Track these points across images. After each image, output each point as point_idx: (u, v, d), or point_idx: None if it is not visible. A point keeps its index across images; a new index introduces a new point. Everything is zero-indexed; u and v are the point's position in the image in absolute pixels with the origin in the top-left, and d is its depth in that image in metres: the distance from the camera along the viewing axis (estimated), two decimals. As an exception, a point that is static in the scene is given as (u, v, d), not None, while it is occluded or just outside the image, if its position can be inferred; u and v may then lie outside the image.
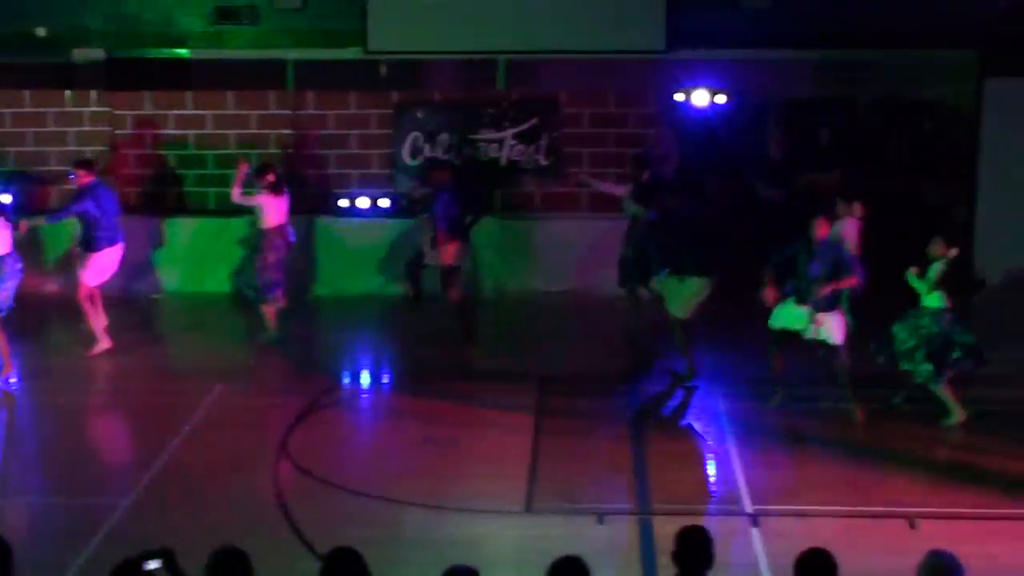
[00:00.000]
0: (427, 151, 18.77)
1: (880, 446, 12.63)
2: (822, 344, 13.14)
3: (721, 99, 19.76)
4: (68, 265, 17.11)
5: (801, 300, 13.11)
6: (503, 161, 18.79)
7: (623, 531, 10.67)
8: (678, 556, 6.99)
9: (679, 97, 19.67)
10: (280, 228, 15.92)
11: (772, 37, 19.54)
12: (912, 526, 10.74)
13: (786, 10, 19.31)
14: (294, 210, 16.33)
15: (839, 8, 19.08)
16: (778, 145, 18.84)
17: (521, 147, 18.73)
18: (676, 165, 19.86)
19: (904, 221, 18.69)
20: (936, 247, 12.91)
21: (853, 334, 13.25)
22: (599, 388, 14.30)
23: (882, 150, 19.37)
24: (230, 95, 19.16)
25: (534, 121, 18.71)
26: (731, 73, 19.96)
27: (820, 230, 13.05)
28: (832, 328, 12.99)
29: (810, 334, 13.10)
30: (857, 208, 14.70)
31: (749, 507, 11.14)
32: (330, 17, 19.03)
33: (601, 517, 10.88)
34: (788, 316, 13.19)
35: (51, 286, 18.14)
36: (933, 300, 12.94)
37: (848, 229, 14.62)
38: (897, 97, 20.69)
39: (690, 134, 20.35)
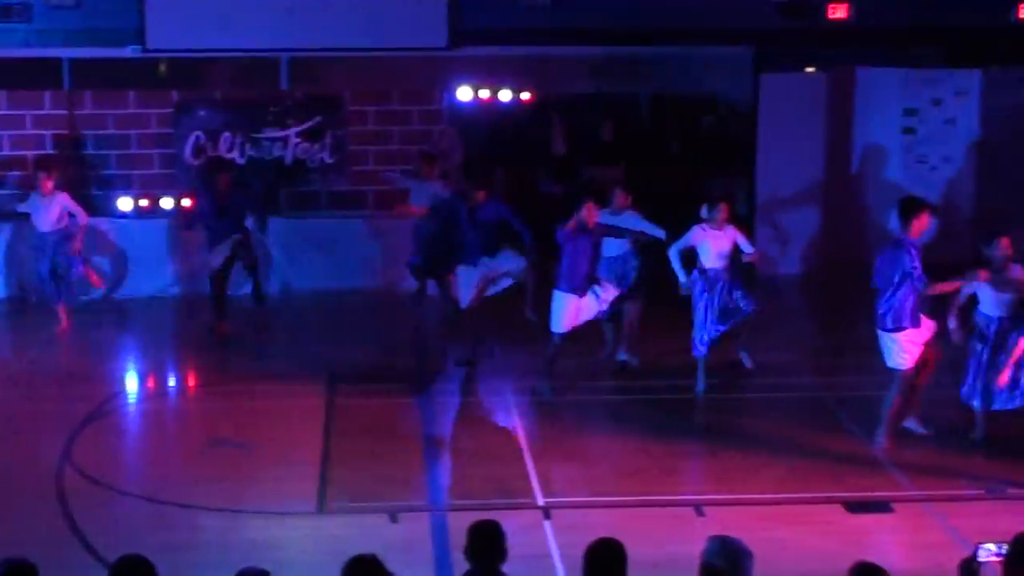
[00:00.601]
0: (210, 150, 18.53)
1: (669, 436, 12.84)
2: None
3: (504, 95, 19.89)
4: None
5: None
6: (288, 160, 18.64)
7: (417, 528, 10.65)
8: (471, 551, 7.01)
9: (463, 94, 19.74)
10: (62, 229, 15.60)
11: (553, 34, 19.72)
12: (699, 513, 10.95)
13: (567, 7, 19.49)
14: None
15: (619, 5, 19.33)
16: (561, 141, 19.02)
17: (306, 145, 18.61)
18: (460, 161, 19.93)
19: (686, 214, 19.08)
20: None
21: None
22: (389, 386, 14.27)
23: (663, 144, 19.70)
24: (2, 95, 18.64)
25: (318, 119, 18.61)
26: (513, 70, 20.10)
27: (590, 215, 13.24)
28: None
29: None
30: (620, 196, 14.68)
31: (541, 500, 11.22)
32: (107, 14, 18.61)
33: (394, 515, 10.86)
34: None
35: None
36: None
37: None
38: (677, 92, 21.07)
39: (474, 130, 20.45)
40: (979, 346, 11.97)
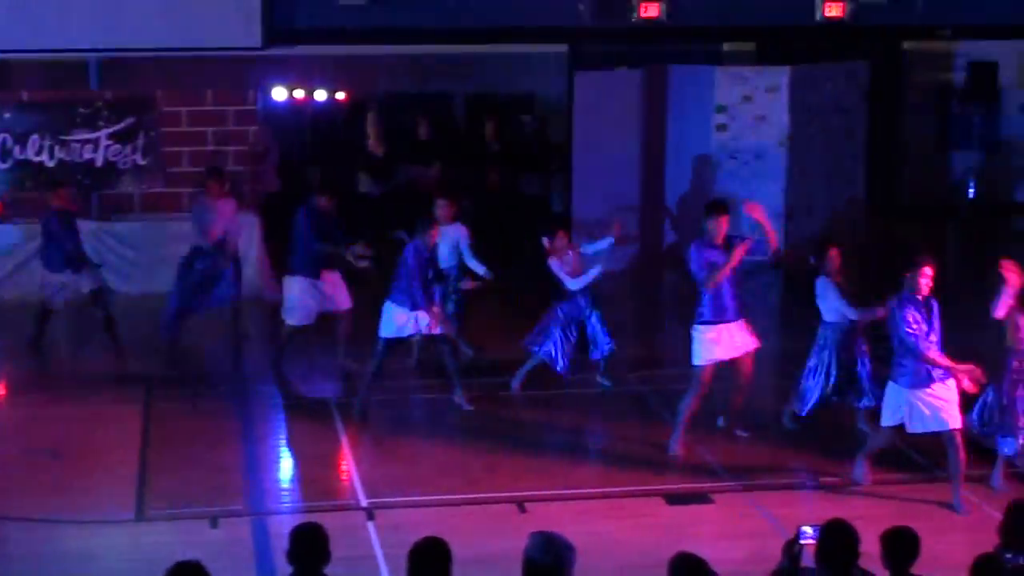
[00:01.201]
0: (17, 153, 18.08)
1: (490, 433, 12.87)
2: (428, 337, 13.28)
3: (320, 95, 19.78)
4: None
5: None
6: (99, 162, 18.27)
7: (238, 533, 10.54)
8: (293, 554, 6.95)
9: (277, 94, 19.58)
10: None
11: (369, 33, 19.66)
12: (521, 510, 11.00)
13: (382, 6, 19.43)
14: None
15: (435, 4, 19.34)
16: (377, 141, 18.95)
17: (117, 147, 18.26)
18: (276, 162, 19.77)
19: (504, 212, 19.18)
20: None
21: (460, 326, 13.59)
22: (207, 390, 14.08)
23: (481, 144, 19.75)
24: None
25: (130, 120, 18.27)
26: (329, 69, 20.01)
27: (432, 238, 13.12)
28: (434, 321, 13.08)
29: (410, 330, 13.17)
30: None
31: (364, 501, 11.18)
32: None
33: (215, 520, 10.73)
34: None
35: None
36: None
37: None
38: (493, 92, 21.15)
39: (290, 130, 20.30)
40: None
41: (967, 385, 10.75)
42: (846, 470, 11.63)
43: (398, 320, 13.02)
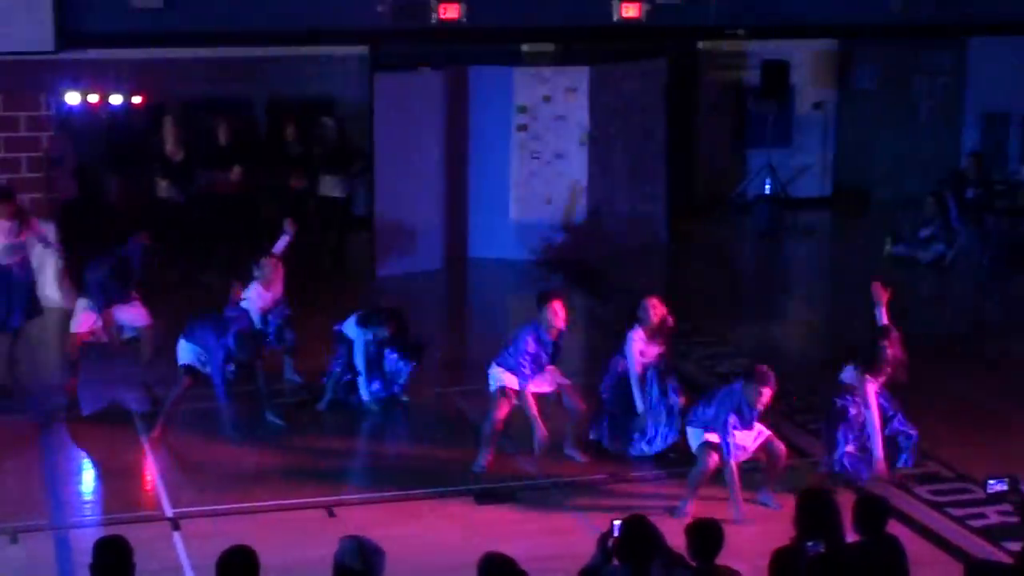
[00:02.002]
0: None
1: (297, 441, 12.79)
2: None
3: (116, 99, 19.42)
4: None
5: None
6: None
7: (40, 548, 10.32)
8: (96, 568, 6.83)
9: (72, 98, 19.18)
10: None
11: (166, 37, 19.38)
12: (331, 515, 10.96)
13: (178, 9, 19.18)
14: None
15: (232, 7, 19.15)
16: (176, 145, 18.69)
17: (-96, 156, 17.71)
18: (72, 168, 19.38)
19: (305, 215, 19.04)
20: None
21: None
22: (2, 404, 13.71)
23: (282, 147, 19.59)
24: None
25: (-84, 128, 17.73)
26: (125, 73, 19.67)
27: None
28: None
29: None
30: None
31: (169, 511, 11.03)
32: None
33: (14, 536, 10.48)
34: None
35: None
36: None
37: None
38: (294, 94, 21.00)
39: (86, 136, 19.90)
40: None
41: None
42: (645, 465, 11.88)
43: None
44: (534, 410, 11.79)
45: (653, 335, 11.88)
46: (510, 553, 6.75)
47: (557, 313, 11.79)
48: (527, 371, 11.74)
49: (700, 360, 14.87)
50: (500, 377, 11.84)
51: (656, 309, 11.89)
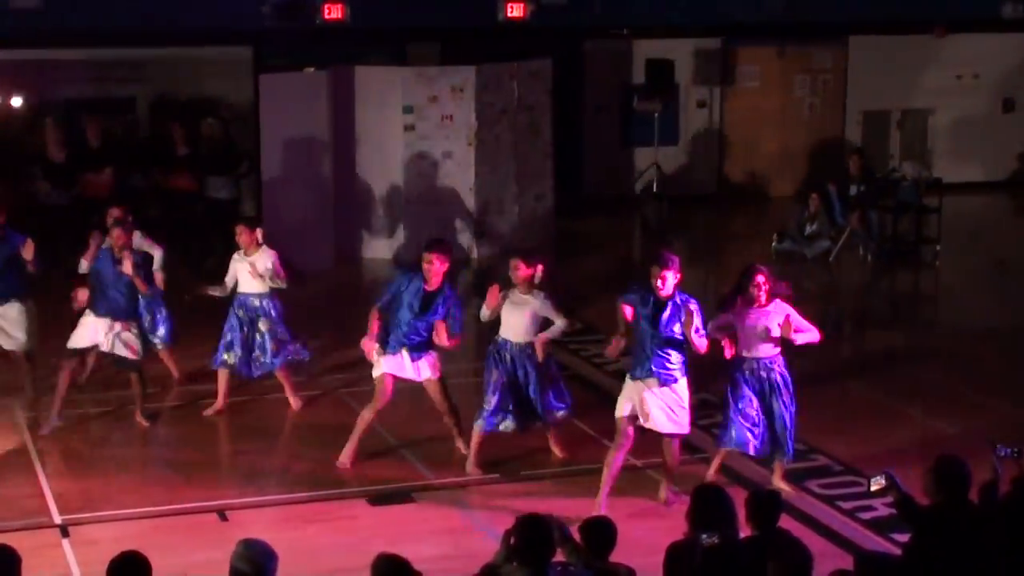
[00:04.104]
0: None
1: (186, 444, 12.71)
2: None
3: (-5, 101, 19.14)
4: None
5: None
6: None
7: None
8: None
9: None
10: None
11: (44, 36, 19.14)
12: (223, 519, 10.87)
13: (58, 9, 18.96)
14: None
15: (114, 6, 18.97)
16: (57, 147, 18.43)
17: None
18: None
19: (192, 217, 18.89)
20: None
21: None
22: None
23: (167, 148, 19.38)
24: None
25: None
26: (6, 73, 19.39)
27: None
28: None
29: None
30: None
31: (58, 518, 10.87)
32: None
33: None
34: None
35: None
36: None
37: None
38: (178, 95, 20.81)
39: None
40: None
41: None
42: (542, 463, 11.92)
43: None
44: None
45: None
46: (405, 554, 6.73)
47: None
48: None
49: (592, 358, 14.96)
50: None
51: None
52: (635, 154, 23.68)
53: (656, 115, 22.53)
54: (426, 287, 11.69)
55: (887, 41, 24.11)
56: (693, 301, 10.80)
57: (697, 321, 10.69)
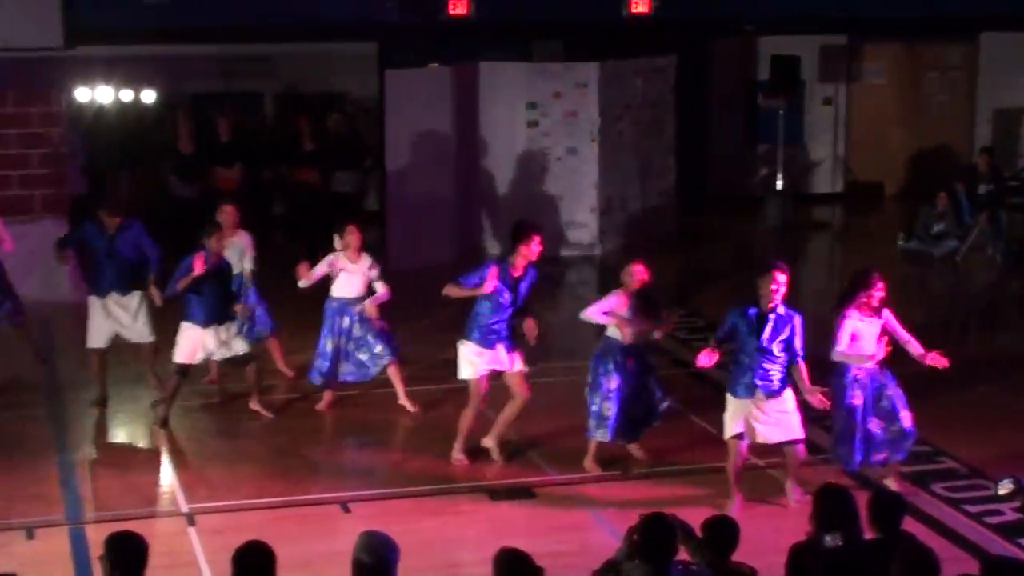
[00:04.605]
0: None
1: (310, 436, 12.83)
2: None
3: (126, 95, 19.46)
4: None
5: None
6: None
7: (55, 543, 10.32)
8: (107, 562, 6.80)
9: (82, 94, 19.23)
10: None
11: (174, 32, 19.43)
12: (345, 510, 10.96)
13: (187, 5, 19.22)
14: None
15: (241, 3, 19.20)
16: (188, 141, 18.71)
17: (-85, 152, 17.70)
18: (82, 164, 19.41)
19: (317, 211, 19.07)
20: None
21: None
22: (17, 400, 13.74)
23: (293, 142, 19.60)
24: None
25: (-71, 125, 17.72)
26: (136, 69, 19.70)
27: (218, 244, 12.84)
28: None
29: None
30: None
31: (185, 507, 11.04)
32: None
33: (30, 531, 10.49)
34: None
35: None
36: None
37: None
38: (304, 90, 21.03)
39: (97, 132, 19.94)
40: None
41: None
42: (663, 457, 11.88)
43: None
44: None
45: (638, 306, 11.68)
46: (526, 550, 6.74)
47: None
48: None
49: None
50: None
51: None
52: (759, 151, 23.52)
53: (781, 112, 22.35)
54: (514, 273, 11.66)
55: (1019, 38, 23.68)
56: (798, 316, 10.69)
57: (799, 340, 10.60)
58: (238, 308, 12.98)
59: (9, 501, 11.11)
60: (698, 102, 22.81)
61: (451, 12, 20.41)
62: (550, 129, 19.78)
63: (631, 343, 11.59)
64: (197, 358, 12.82)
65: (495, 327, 11.69)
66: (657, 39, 21.31)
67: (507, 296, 11.65)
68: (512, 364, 11.83)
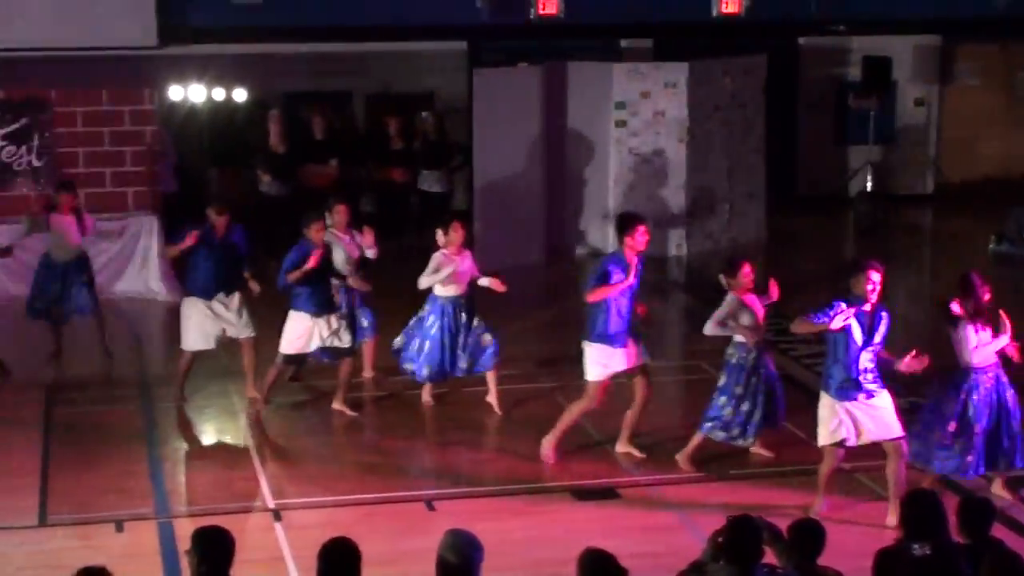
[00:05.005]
0: (-92, 154, 17.74)
1: (398, 432, 12.89)
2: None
3: (218, 94, 19.62)
4: None
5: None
6: (-7, 164, 17.97)
7: (144, 537, 10.44)
8: (195, 555, 6.86)
9: (175, 93, 19.41)
10: None
11: (266, 31, 19.59)
12: (430, 508, 11.00)
13: (279, 4, 19.37)
14: None
15: (332, 2, 19.31)
16: (281, 140, 18.85)
17: (12, 148, 17.98)
18: (174, 162, 19.60)
19: (404, 210, 19.16)
20: None
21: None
22: (108, 395, 13.92)
23: (382, 141, 19.69)
24: None
25: (25, 121, 17.98)
26: (228, 67, 19.87)
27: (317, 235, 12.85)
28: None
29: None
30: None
31: (271, 502, 11.12)
32: None
33: (119, 524, 10.62)
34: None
35: None
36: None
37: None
38: (393, 89, 21.13)
39: (188, 130, 20.12)
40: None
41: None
42: (749, 463, 11.81)
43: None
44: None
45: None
46: (610, 550, 6.73)
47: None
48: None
49: (800, 358, 14.77)
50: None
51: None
52: (849, 152, 23.34)
53: (872, 113, 22.15)
54: (631, 263, 11.56)
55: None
56: (887, 312, 10.58)
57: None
58: (353, 281, 13.03)
59: (99, 494, 11.26)
60: (787, 102, 22.66)
61: (540, 12, 20.41)
62: (638, 129, 19.73)
63: (757, 342, 11.55)
64: (311, 346, 12.87)
65: (623, 324, 11.57)
66: (746, 38, 21.20)
67: (632, 288, 11.54)
68: (639, 358, 11.74)
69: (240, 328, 13.48)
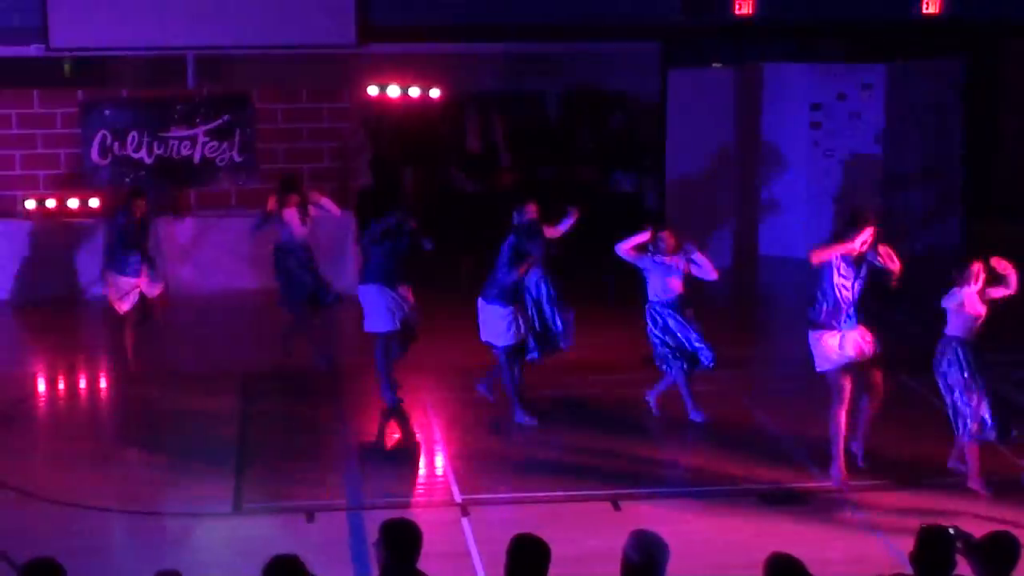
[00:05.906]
0: (117, 149, 18.31)
1: (584, 431, 12.90)
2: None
3: (414, 92, 19.87)
4: None
5: None
6: (196, 159, 18.47)
7: (334, 527, 10.63)
8: (382, 547, 6.94)
9: (372, 91, 19.70)
10: None
11: (463, 31, 19.75)
12: (616, 508, 11.00)
13: (475, 4, 19.52)
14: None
15: (528, 2, 19.40)
16: (475, 137, 19.03)
17: (214, 144, 18.45)
18: (370, 158, 19.90)
19: (596, 209, 19.16)
20: None
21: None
22: (303, 386, 14.19)
23: (573, 140, 19.76)
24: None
25: (227, 117, 18.44)
26: (424, 66, 20.10)
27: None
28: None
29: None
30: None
31: (459, 497, 11.23)
32: (8, 12, 18.38)
33: (311, 514, 10.82)
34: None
35: None
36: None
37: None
38: (586, 89, 21.16)
39: (384, 127, 20.41)
40: None
41: None
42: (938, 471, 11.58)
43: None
44: None
45: None
46: (798, 555, 6.67)
47: None
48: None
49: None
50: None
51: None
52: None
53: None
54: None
55: None
56: None
57: None
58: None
59: (292, 484, 11.49)
60: (987, 106, 22.15)
61: (736, 12, 20.27)
62: (833, 130, 19.49)
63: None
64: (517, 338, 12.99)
65: (854, 310, 11.25)
66: (943, 39, 20.79)
67: (855, 273, 11.27)
68: (871, 347, 11.35)
69: (413, 319, 13.62)
